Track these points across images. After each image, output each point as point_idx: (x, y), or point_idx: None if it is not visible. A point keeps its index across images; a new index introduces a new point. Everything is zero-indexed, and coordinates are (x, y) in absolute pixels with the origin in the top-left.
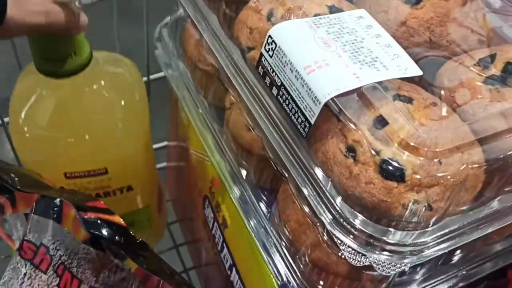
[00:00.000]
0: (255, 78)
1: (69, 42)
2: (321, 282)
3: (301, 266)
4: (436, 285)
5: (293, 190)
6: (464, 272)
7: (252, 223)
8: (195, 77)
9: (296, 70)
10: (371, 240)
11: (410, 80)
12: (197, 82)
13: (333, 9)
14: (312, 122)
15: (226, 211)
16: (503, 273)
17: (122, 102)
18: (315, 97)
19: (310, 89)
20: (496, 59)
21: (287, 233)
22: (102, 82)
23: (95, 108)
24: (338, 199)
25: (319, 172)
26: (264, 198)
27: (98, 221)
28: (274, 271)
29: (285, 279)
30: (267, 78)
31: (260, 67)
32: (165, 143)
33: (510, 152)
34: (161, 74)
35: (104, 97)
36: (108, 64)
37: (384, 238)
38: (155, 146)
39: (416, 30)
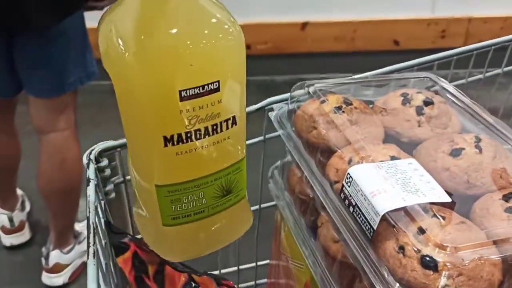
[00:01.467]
0: (339, 201)
1: None
2: None
3: None
4: None
5: (366, 283)
6: None
7: None
8: (296, 204)
9: (365, 195)
10: None
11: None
12: (297, 207)
13: (393, 158)
14: (375, 228)
15: None
16: None
17: (231, 18)
18: (376, 211)
19: (373, 206)
20: None
21: None
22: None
23: (208, 12)
24: (391, 279)
25: (376, 259)
26: None
27: None
28: None
29: None
30: (346, 201)
31: (342, 193)
32: (267, 261)
33: None
34: (270, 203)
35: (214, 6)
36: None
37: None
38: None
39: (457, 174)
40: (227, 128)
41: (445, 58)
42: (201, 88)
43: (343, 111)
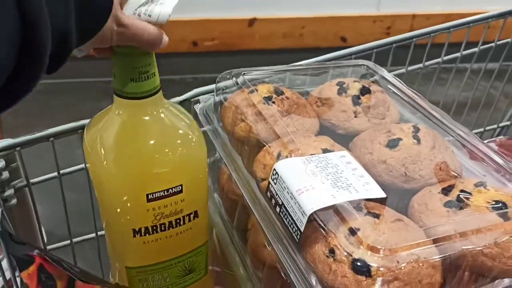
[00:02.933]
0: (266, 201)
1: (152, 62)
2: None
3: None
4: None
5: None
6: None
7: None
8: (226, 206)
9: (291, 192)
10: None
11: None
12: (227, 209)
13: (326, 151)
14: (302, 230)
15: None
16: None
17: (192, 123)
18: (303, 211)
19: (300, 205)
20: (454, 189)
21: None
22: (171, 107)
23: (171, 125)
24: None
25: (304, 266)
26: None
27: None
28: None
29: None
30: (273, 200)
31: (268, 192)
32: None
33: (459, 253)
34: None
35: (177, 116)
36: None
37: None
38: None
39: (394, 166)
40: (190, 220)
41: (384, 45)
42: (165, 191)
43: (274, 102)
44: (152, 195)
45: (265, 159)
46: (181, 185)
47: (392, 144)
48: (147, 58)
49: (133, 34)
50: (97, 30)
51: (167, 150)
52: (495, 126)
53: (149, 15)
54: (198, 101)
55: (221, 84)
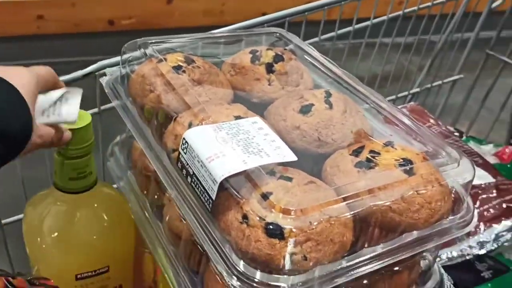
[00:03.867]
0: (177, 172)
1: (90, 163)
2: None
3: None
4: None
5: (211, 263)
6: None
7: None
8: (140, 183)
9: (201, 161)
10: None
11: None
12: (141, 186)
13: (238, 118)
14: (213, 198)
15: None
16: None
17: (119, 212)
18: (214, 178)
19: (210, 173)
20: (364, 150)
21: None
22: (103, 197)
23: (102, 216)
24: (234, 257)
25: (219, 236)
26: (195, 279)
27: None
28: None
29: None
30: (184, 170)
31: (179, 162)
32: None
33: (368, 209)
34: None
35: (108, 207)
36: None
37: (276, 283)
38: None
39: (307, 132)
40: None
41: (297, 14)
42: (93, 271)
43: (184, 71)
44: (81, 275)
45: (176, 130)
46: (108, 266)
47: (305, 110)
48: (86, 160)
49: (43, 142)
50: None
51: (96, 238)
52: (406, 93)
53: (58, 115)
54: (104, 74)
55: (128, 56)
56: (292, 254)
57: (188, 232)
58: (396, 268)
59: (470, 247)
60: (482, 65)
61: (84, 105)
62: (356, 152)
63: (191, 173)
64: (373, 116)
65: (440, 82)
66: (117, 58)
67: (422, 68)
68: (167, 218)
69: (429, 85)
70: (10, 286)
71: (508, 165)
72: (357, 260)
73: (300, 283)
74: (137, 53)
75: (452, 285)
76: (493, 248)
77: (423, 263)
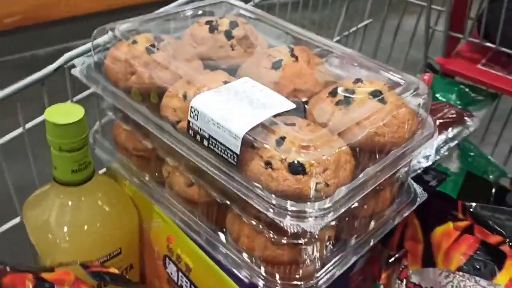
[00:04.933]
0: (189, 139)
1: (88, 153)
2: (277, 275)
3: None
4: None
5: (238, 211)
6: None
7: (211, 255)
8: (133, 163)
9: (217, 122)
10: (300, 214)
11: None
12: (136, 165)
13: (226, 82)
14: (238, 152)
15: (187, 257)
16: (401, 245)
17: (119, 195)
18: (235, 135)
19: (230, 131)
20: (338, 90)
21: (241, 247)
22: (101, 184)
23: (106, 202)
24: (267, 194)
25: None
26: (213, 233)
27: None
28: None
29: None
30: (197, 136)
31: (190, 130)
32: None
33: (360, 138)
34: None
35: (108, 192)
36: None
37: (307, 209)
38: None
39: (283, 84)
40: (127, 272)
41: None
42: (108, 256)
43: (158, 49)
44: (98, 261)
45: (173, 103)
46: (120, 248)
47: (277, 65)
48: (85, 151)
49: None
50: None
51: (106, 224)
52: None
53: None
54: (72, 66)
55: (97, 42)
56: (316, 183)
57: (204, 193)
58: (381, 187)
59: (419, 162)
60: (387, 7)
61: (55, 100)
62: (333, 94)
63: (207, 136)
64: (329, 59)
65: (354, 28)
66: (81, 48)
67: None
68: (175, 186)
69: (346, 32)
70: (44, 283)
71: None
72: (363, 179)
73: (328, 206)
74: (104, 39)
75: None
76: (436, 159)
77: (399, 179)
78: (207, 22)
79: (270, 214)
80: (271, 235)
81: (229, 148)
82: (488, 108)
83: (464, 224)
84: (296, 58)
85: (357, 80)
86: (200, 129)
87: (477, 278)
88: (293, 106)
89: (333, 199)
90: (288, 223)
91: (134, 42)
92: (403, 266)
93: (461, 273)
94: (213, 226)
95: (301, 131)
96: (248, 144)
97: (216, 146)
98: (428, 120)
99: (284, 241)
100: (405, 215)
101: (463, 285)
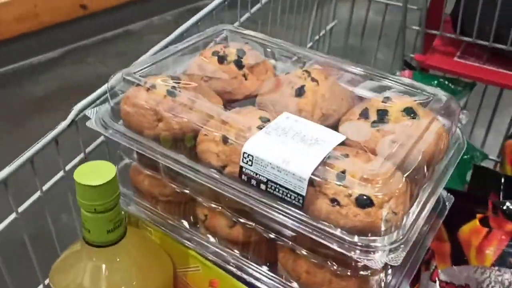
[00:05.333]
0: (242, 184)
1: (120, 210)
2: None
3: None
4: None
5: (297, 248)
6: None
7: None
8: (160, 209)
9: (278, 166)
10: (371, 247)
11: None
12: (163, 211)
13: (263, 119)
14: (304, 194)
15: None
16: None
17: (150, 246)
18: (300, 177)
19: (293, 174)
20: (369, 111)
21: (302, 283)
22: (131, 238)
23: (141, 256)
24: (341, 231)
25: (324, 224)
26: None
27: None
28: None
29: None
30: (252, 180)
31: (243, 175)
32: None
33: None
34: None
35: (139, 246)
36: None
37: (379, 243)
38: None
39: (311, 111)
40: None
41: (220, 5)
42: None
43: (180, 90)
44: None
45: (213, 147)
46: None
47: (300, 92)
48: (118, 208)
49: None
50: None
51: (142, 279)
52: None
53: None
54: (86, 118)
55: (113, 88)
56: (386, 214)
57: (249, 233)
58: None
59: None
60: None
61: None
62: (365, 116)
63: (265, 180)
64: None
65: (323, 31)
66: (90, 97)
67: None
68: (215, 229)
69: (317, 37)
70: None
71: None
72: (423, 201)
73: (400, 235)
74: (119, 85)
75: None
76: None
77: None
78: (214, 53)
79: (342, 250)
80: (336, 268)
81: (293, 191)
82: (467, 97)
83: (497, 221)
84: (317, 82)
85: (386, 99)
86: (256, 174)
87: None
88: (344, 137)
89: (405, 228)
90: (359, 256)
91: (153, 86)
92: (433, 268)
93: (496, 268)
94: (260, 262)
95: (357, 161)
96: (310, 183)
97: (277, 190)
98: (457, 131)
99: (349, 273)
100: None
101: (500, 279)
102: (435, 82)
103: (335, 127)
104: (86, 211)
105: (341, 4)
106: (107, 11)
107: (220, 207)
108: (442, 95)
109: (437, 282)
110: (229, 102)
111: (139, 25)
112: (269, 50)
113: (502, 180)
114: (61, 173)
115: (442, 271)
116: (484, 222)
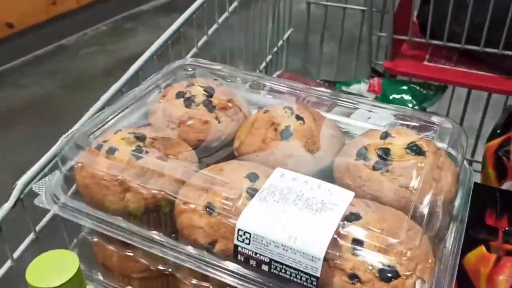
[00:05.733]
0: (236, 264)
1: None
2: None
3: None
4: None
5: None
6: None
7: None
8: (129, 284)
9: (282, 244)
10: None
11: None
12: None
13: (251, 175)
14: (318, 275)
15: None
16: None
17: None
18: (312, 256)
19: (303, 252)
20: (367, 150)
21: None
22: None
23: None
24: None
25: None
26: None
27: None
28: None
29: None
30: (251, 260)
31: (240, 255)
32: None
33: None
34: None
35: None
36: None
37: None
38: None
39: (301, 156)
40: None
41: (174, 33)
42: None
43: (146, 151)
44: None
45: (198, 221)
46: None
47: (286, 134)
48: None
49: None
50: None
51: None
52: (264, 63)
53: None
54: (32, 194)
55: (64, 155)
56: (415, 283)
57: None
58: None
59: None
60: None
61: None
62: (362, 156)
63: (267, 260)
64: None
65: (281, 41)
66: (32, 171)
67: None
68: None
69: (275, 48)
70: None
71: (380, 96)
72: (446, 254)
73: None
74: (70, 152)
75: None
76: None
77: None
78: (178, 94)
79: None
80: None
81: (304, 272)
82: (439, 100)
83: (509, 248)
84: (302, 119)
85: (386, 135)
86: (255, 253)
87: None
88: (353, 194)
89: None
90: None
91: (113, 150)
92: None
93: None
94: None
95: (371, 222)
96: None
97: (284, 271)
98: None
99: None
100: None
101: None
102: (406, 88)
103: (329, 171)
104: None
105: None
106: (36, 27)
107: (209, 285)
108: (449, 124)
109: None
110: (204, 151)
111: (73, 39)
112: (238, 82)
113: (497, 195)
114: (9, 263)
115: None
116: (490, 248)
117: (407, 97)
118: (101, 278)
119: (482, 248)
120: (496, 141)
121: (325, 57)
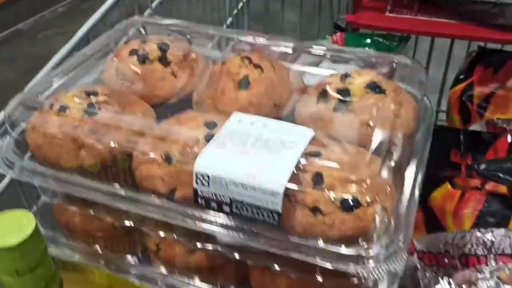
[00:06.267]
0: (197, 209)
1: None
2: None
3: None
4: None
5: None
6: None
7: None
8: (100, 247)
9: (241, 183)
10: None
11: None
12: (104, 249)
13: (210, 125)
14: (280, 210)
15: None
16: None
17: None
18: (273, 191)
19: (263, 189)
20: (328, 92)
21: None
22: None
23: None
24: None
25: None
26: None
27: None
28: None
29: None
30: (212, 203)
31: (200, 199)
32: None
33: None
34: None
35: None
36: None
37: (377, 246)
38: None
39: (260, 103)
40: None
41: None
42: None
43: (99, 108)
44: None
45: (155, 170)
46: None
47: (245, 84)
48: (48, 263)
49: None
50: None
51: None
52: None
53: None
54: None
55: (13, 118)
56: (376, 211)
57: (212, 256)
58: None
59: None
60: None
61: None
62: (324, 98)
63: (228, 201)
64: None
65: (240, 3)
66: None
67: None
68: (172, 258)
69: (235, 11)
70: None
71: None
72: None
73: (396, 234)
74: (19, 113)
75: None
76: None
77: None
78: (131, 52)
79: (337, 266)
80: (324, 280)
81: (265, 208)
82: (403, 50)
83: (473, 183)
84: (261, 68)
85: (346, 76)
86: (215, 195)
87: (494, 229)
88: (312, 133)
89: (399, 222)
90: (355, 270)
91: (64, 108)
92: None
93: (476, 229)
94: (230, 286)
95: (332, 156)
96: (285, 195)
97: (245, 210)
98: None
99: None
100: None
101: (482, 240)
102: (369, 41)
103: (290, 117)
104: (7, 275)
105: None
106: None
107: (174, 235)
108: (407, 61)
109: (415, 254)
110: (161, 108)
111: (30, 22)
112: (193, 37)
113: (462, 135)
114: None
115: (417, 241)
116: (454, 185)
117: (370, 49)
118: (65, 241)
119: (447, 185)
120: (460, 87)
121: (288, 25)
